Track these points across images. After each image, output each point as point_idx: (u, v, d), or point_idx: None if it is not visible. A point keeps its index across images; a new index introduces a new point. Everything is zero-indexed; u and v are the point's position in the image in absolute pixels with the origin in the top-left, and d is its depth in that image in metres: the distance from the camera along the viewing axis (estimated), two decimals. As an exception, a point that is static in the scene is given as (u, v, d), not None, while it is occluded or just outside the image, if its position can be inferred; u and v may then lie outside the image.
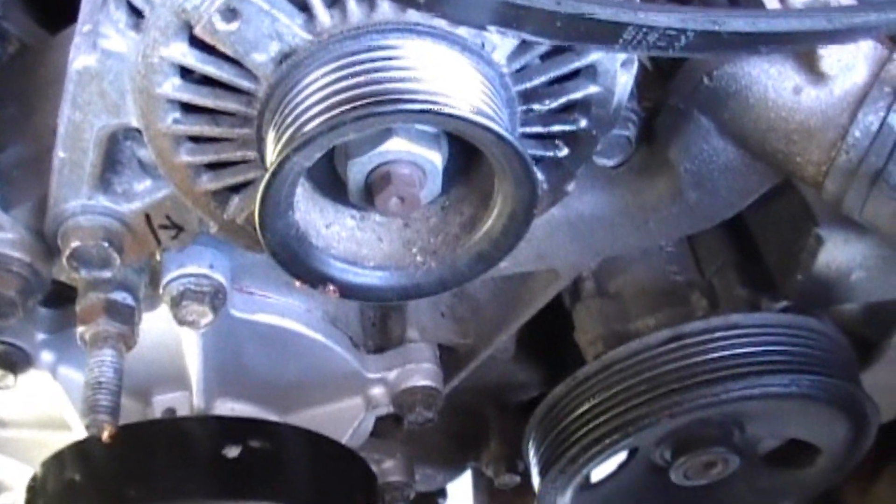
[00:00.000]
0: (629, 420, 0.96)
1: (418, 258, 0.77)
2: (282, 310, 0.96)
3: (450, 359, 1.11)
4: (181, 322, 0.87)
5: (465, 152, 0.74)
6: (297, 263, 0.73)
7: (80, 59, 0.69)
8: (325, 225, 0.76)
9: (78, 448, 0.91)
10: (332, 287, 0.75)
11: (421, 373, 1.03)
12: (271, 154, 0.68)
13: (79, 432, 0.96)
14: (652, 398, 0.96)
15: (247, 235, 0.78)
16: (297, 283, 0.75)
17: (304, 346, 0.97)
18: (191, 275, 0.87)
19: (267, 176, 0.66)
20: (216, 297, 0.87)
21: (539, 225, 0.90)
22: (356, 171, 0.70)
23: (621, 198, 0.92)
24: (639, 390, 0.97)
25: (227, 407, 1.02)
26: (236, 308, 0.94)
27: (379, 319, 1.08)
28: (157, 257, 0.87)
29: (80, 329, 0.85)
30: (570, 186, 0.80)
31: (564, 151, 0.76)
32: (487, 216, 0.75)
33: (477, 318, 1.13)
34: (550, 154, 0.76)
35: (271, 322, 0.95)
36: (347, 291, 0.76)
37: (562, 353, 1.18)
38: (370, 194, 0.70)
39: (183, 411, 1.01)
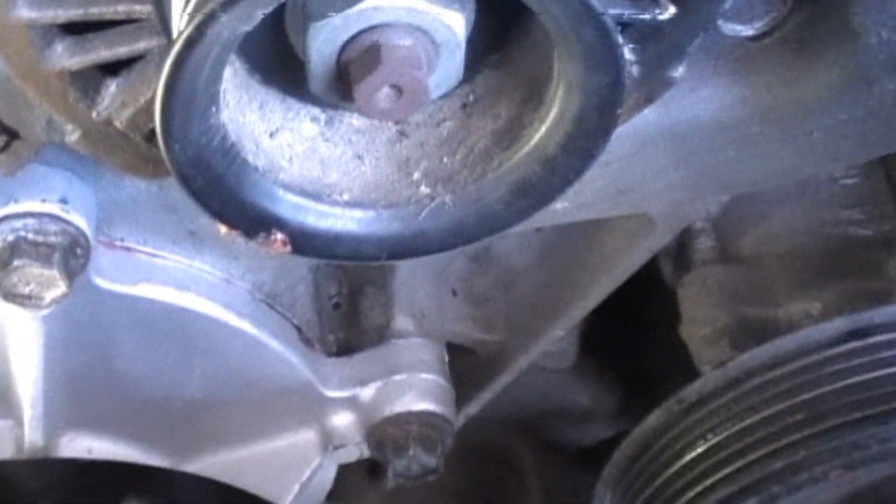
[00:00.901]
0: (775, 473, 1.04)
1: (422, 189, 0.84)
2: (183, 278, 1.04)
3: (466, 367, 1.20)
4: (8, 296, 0.94)
5: (504, 14, 0.80)
6: (222, 195, 0.81)
7: None
8: (270, 132, 0.83)
9: None
10: (277, 236, 0.82)
11: (417, 389, 1.11)
12: (180, 10, 0.74)
13: None
14: (815, 435, 1.03)
15: (130, 149, 0.86)
16: (222, 231, 0.83)
17: (218, 341, 1.05)
18: (28, 215, 0.93)
19: (175, 48, 0.72)
20: (71, 255, 0.95)
21: (623, 138, 0.97)
22: (322, 42, 0.76)
23: (765, 92, 0.99)
24: (792, 422, 1.05)
25: (83, 446, 1.11)
26: (104, 274, 1.01)
27: (347, 298, 1.16)
28: (-29, 185, 0.96)
29: None
30: (679, 71, 0.87)
31: (670, 11, 0.82)
32: (538, 121, 0.82)
33: (512, 299, 1.22)
34: (646, 16, 0.81)
35: (164, 299, 1.03)
36: (303, 244, 0.83)
37: (655, 361, 1.29)
38: (345, 82, 0.77)
39: (5, 454, 1.08)
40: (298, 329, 1.11)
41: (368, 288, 1.15)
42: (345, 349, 1.15)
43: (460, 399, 1.17)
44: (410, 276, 1.16)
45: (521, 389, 1.22)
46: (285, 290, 1.10)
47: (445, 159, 0.85)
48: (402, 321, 1.15)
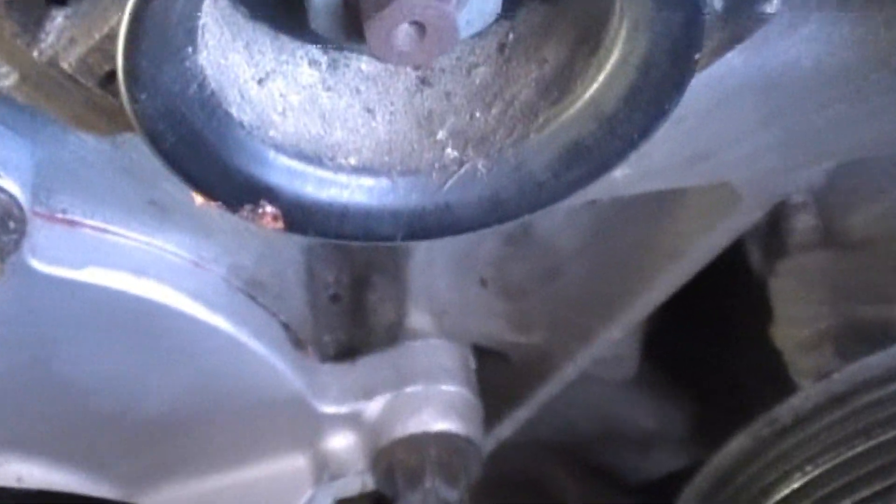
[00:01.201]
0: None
1: (448, 151, 0.87)
2: (140, 260, 1.07)
3: (498, 377, 1.24)
4: (-76, 283, 0.98)
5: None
6: (199, 157, 0.83)
7: None
8: (258, 79, 0.85)
9: None
10: (267, 209, 0.85)
11: (436, 405, 1.14)
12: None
13: None
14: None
15: (80, 97, 0.88)
16: (196, 201, 0.85)
17: (185, 341, 1.08)
18: (-52, 179, 0.96)
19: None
20: (2, 230, 0.96)
21: (702, 89, 0.99)
22: (326, -34, 0.78)
23: (883, 31, 1.00)
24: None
25: (11, 472, 1.13)
26: (42, 255, 1.04)
27: (348, 288, 1.17)
28: None
29: None
30: (773, 4, 0.87)
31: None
32: (594, 68, 0.85)
33: (556, 291, 1.25)
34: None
35: (116, 287, 1.05)
36: (299, 219, 0.86)
37: (739, 372, 1.31)
38: (354, 16, 0.79)
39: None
40: (286, 326, 1.14)
41: (376, 276, 1.17)
42: (345, 352, 1.18)
43: (490, 417, 1.19)
44: (429, 262, 1.18)
45: (567, 406, 1.25)
46: (271, 277, 1.13)
47: (478, 115, 0.88)
48: (417, 318, 1.18)
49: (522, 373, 1.24)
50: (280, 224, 0.86)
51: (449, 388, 1.16)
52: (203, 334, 1.08)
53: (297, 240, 1.13)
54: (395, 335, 1.17)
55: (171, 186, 0.91)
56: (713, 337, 1.34)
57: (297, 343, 1.14)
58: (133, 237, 1.09)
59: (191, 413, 1.11)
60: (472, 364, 1.19)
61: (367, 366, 1.16)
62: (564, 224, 1.22)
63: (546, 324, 1.24)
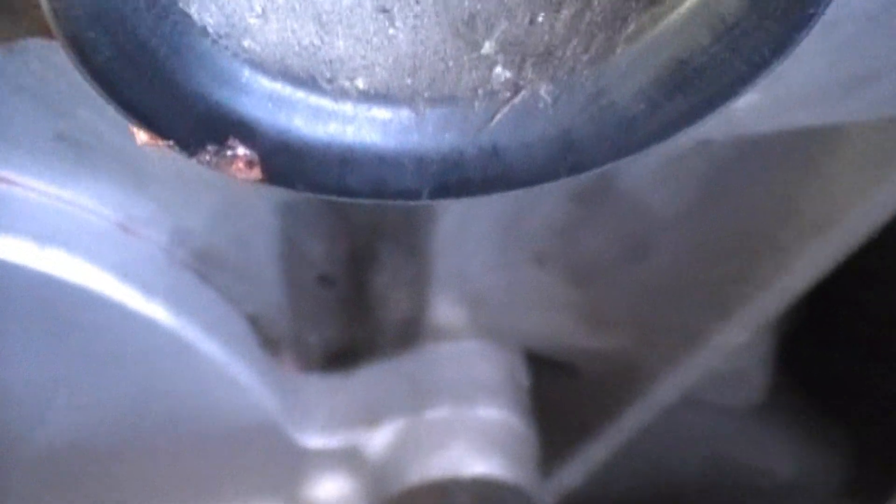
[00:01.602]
0: None
1: (498, 71, 0.91)
2: (44, 222, 1.12)
3: (562, 398, 1.29)
4: None
5: None
6: (145, 76, 0.87)
7: None
8: None
9: None
10: (239, 151, 0.90)
11: (469, 437, 1.19)
12: None
13: None
14: None
15: None
16: (138, 139, 0.90)
17: (107, 337, 1.14)
18: None
19: None
20: None
21: None
22: None
23: None
24: None
25: None
26: None
27: (344, 267, 1.22)
28: None
29: None
30: None
31: None
32: None
33: (646, 274, 1.31)
34: None
35: (9, 259, 1.11)
36: (284, 166, 0.90)
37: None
38: None
39: None
40: (253, 320, 1.18)
41: (385, 250, 1.21)
42: (339, 360, 1.21)
43: (551, 456, 1.23)
44: (462, 231, 1.21)
45: (664, 442, 1.28)
46: (232, 248, 1.17)
47: (541, 19, 0.92)
48: (444, 311, 1.21)
49: (597, 392, 1.27)
50: (256, 173, 0.90)
51: (488, 412, 1.18)
52: (133, 329, 1.12)
53: (272, 195, 1.17)
54: (411, 335, 1.19)
55: (94, 115, 0.94)
56: (874, 349, 1.37)
57: (269, 345, 1.18)
58: (35, 187, 1.13)
59: (115, 441, 1.14)
60: (523, 378, 1.22)
61: (369, 379, 1.19)
62: (661, 178, 1.26)
63: (631, 321, 1.28)
